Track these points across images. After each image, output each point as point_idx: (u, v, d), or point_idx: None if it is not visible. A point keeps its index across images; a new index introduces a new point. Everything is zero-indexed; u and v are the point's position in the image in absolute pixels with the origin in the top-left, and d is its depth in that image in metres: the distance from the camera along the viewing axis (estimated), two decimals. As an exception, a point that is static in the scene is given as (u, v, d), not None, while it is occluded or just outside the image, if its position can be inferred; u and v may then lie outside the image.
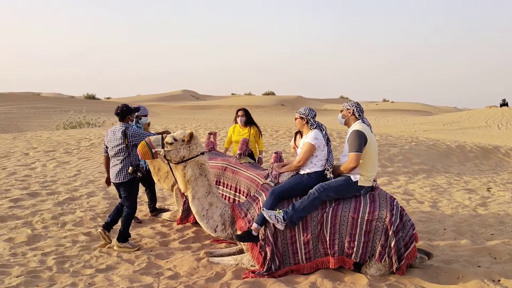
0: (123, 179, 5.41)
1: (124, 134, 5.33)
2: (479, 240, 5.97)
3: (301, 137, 6.32)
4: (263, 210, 4.50)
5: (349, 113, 4.78)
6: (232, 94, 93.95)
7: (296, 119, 4.98)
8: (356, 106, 4.76)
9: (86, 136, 15.93)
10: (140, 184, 6.72)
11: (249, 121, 6.93)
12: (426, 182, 10.40)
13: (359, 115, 4.74)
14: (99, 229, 5.53)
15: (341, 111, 4.87)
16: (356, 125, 4.66)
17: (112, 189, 8.39)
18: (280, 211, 4.49)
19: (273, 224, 4.56)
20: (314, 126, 4.79)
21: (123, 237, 5.44)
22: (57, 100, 54.16)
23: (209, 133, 6.45)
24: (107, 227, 5.55)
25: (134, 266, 4.96)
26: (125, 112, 5.47)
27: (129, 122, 5.54)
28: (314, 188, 4.52)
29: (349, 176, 4.61)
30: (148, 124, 7.00)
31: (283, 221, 4.47)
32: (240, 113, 6.93)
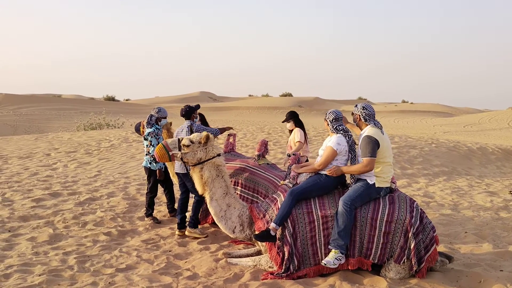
0: (187, 170, 5.63)
1: (190, 129, 5.83)
2: (501, 244, 5.86)
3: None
4: (324, 263, 4.46)
5: (357, 118, 4.73)
6: (250, 95, 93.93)
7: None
8: (361, 111, 4.67)
9: (106, 137, 16.15)
10: (158, 185, 6.80)
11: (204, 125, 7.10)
12: (447, 184, 10.26)
13: (366, 120, 4.64)
14: (177, 234, 6.00)
15: (352, 114, 4.82)
16: (368, 130, 4.60)
17: (132, 189, 8.49)
18: (334, 251, 4.44)
19: (292, 225, 4.56)
20: (338, 131, 4.71)
21: (195, 223, 5.89)
22: (78, 102, 54.99)
23: (228, 135, 6.49)
24: (182, 226, 5.99)
25: (153, 266, 5.00)
26: (189, 112, 6.02)
27: (194, 119, 6.08)
28: (340, 206, 4.47)
29: (366, 180, 4.58)
30: (170, 124, 7.11)
31: (342, 255, 4.46)
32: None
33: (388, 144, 4.62)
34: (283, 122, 6.99)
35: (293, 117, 6.86)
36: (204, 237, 5.90)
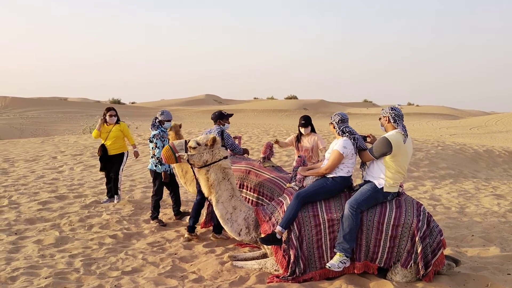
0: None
1: (221, 135, 5.88)
2: (508, 247, 5.83)
3: (296, 140, 6.71)
4: (328, 266, 4.45)
5: (386, 120, 4.64)
6: (255, 98, 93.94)
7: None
8: (390, 112, 4.60)
9: (111, 140, 16.18)
10: (164, 187, 6.81)
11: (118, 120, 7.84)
12: (453, 187, 10.21)
13: (395, 121, 4.56)
14: (186, 235, 6.02)
15: (380, 119, 4.75)
16: (392, 133, 4.54)
17: (137, 192, 8.51)
18: (339, 254, 4.43)
19: (298, 228, 4.55)
20: (344, 133, 4.67)
21: (219, 228, 5.91)
22: (84, 105, 55.23)
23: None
24: (192, 229, 6.03)
25: (159, 269, 5.00)
26: (217, 116, 6.08)
27: (223, 125, 6.10)
28: (347, 209, 4.45)
29: (374, 184, 4.55)
30: (180, 126, 7.17)
31: (347, 258, 4.44)
32: (111, 112, 7.72)
33: (406, 151, 4.53)
34: (302, 126, 6.65)
35: (312, 123, 6.75)
36: (227, 239, 5.96)
